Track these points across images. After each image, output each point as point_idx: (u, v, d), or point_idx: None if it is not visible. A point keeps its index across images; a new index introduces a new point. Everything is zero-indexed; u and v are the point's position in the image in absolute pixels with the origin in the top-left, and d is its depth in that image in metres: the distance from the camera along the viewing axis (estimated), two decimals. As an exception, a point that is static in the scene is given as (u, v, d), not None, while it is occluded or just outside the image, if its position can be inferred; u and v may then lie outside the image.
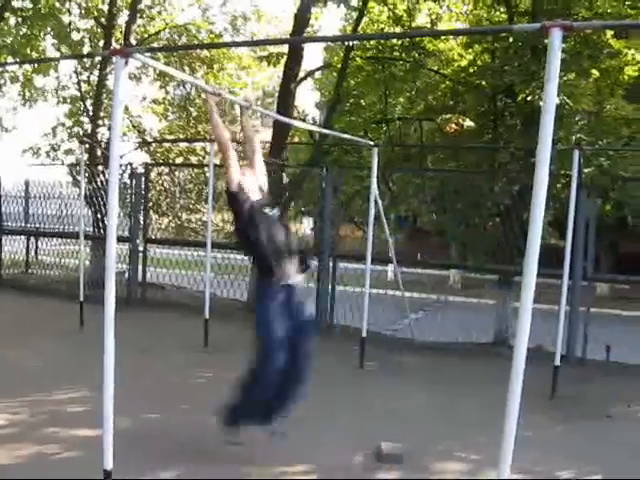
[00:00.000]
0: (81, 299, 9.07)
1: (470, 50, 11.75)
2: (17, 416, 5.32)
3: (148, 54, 3.92)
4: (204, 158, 14.61)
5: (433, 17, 13.29)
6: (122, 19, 14.06)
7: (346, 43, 11.35)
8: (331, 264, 9.75)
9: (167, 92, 16.41)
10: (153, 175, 12.59)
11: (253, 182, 4.75)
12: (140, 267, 11.33)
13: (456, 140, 12.48)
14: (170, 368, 7.14)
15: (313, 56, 15.06)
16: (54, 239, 14.76)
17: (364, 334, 7.60)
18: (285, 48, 11.54)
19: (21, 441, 4.78)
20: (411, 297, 10.44)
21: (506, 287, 9.57)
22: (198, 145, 15.22)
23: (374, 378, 7.25)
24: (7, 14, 10.54)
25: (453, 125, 12.95)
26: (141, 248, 11.34)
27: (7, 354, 7.39)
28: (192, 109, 16.18)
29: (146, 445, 4.72)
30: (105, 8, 13.84)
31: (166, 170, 13.47)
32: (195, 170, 13.61)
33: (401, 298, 9.20)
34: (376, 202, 7.77)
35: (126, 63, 3.36)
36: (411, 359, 8.37)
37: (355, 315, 8.88)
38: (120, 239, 8.99)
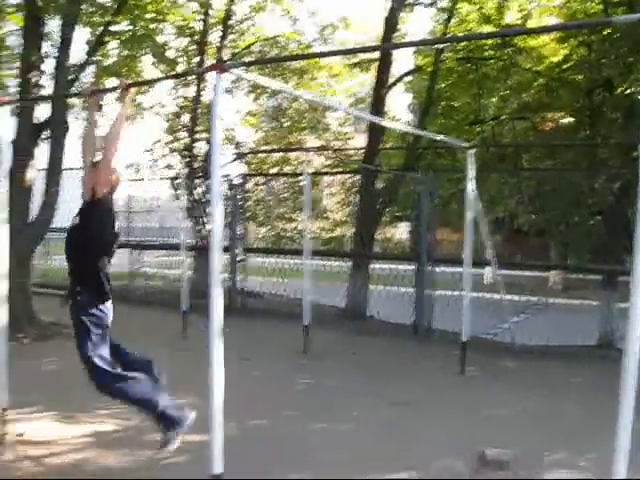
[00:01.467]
0: (184, 309, 9.32)
1: (565, 44, 11.42)
2: (128, 422, 5.50)
3: (244, 68, 4.02)
4: (297, 167, 14.77)
5: (524, 13, 13.00)
6: (214, 35, 14.41)
7: (436, 45, 11.26)
8: (429, 268, 9.66)
9: (260, 104, 16.69)
10: (250, 186, 12.84)
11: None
12: (239, 276, 11.55)
13: (552, 138, 12.19)
14: (272, 375, 7.26)
15: (403, 59, 14.96)
16: (156, 251, 15.30)
17: (464, 339, 7.49)
18: (375, 54, 11.55)
19: (132, 446, 4.97)
20: (510, 300, 10.24)
21: (611, 287, 9.25)
22: (292, 155, 15.39)
23: (476, 383, 7.14)
24: (107, 38, 10.95)
25: (549, 122, 12.64)
26: (240, 257, 11.56)
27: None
28: (284, 119, 16.39)
29: (252, 451, 4.80)
30: (198, 26, 14.21)
31: (262, 180, 13.72)
32: (290, 179, 13.78)
33: (499, 301, 9.03)
34: (473, 204, 7.66)
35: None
36: (512, 363, 8.21)
37: (454, 319, 8.76)
38: (219, 249, 9.21)
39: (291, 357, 8.08)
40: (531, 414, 6.00)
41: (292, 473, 4.49)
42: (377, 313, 10.56)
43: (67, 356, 7.96)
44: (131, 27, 11.52)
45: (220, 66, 3.47)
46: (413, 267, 9.92)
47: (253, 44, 15.42)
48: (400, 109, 18.54)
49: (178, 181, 12.47)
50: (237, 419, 5.12)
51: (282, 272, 12.28)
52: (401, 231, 14.76)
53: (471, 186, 7.55)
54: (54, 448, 4.90)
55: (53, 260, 15.59)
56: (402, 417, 5.76)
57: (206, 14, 13.87)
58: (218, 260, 3.50)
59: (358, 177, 11.99)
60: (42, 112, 9.69)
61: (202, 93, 14.05)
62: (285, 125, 16.29)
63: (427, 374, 7.51)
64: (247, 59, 14.63)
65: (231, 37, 14.78)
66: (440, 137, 8.08)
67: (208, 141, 13.73)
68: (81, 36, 11.08)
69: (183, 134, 14.78)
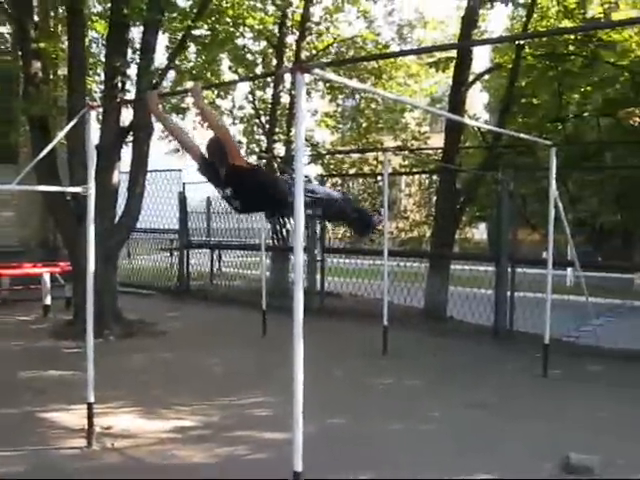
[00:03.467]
0: (264, 308, 9.44)
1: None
2: (209, 418, 5.63)
3: (327, 69, 4.06)
4: (376, 167, 14.74)
5: (606, 7, 12.58)
6: (291, 38, 14.54)
7: (516, 42, 11.03)
8: (509, 269, 9.47)
9: (338, 105, 16.71)
10: (328, 186, 12.88)
11: None
12: (318, 276, 11.61)
13: (637, 134, 11.80)
14: (351, 375, 7.27)
15: (481, 58, 14.77)
16: (235, 251, 15.58)
17: (547, 341, 7.33)
18: (453, 53, 11.43)
19: (214, 442, 5.07)
20: (594, 302, 9.97)
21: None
22: (370, 155, 15.37)
23: (559, 386, 6.96)
24: (188, 42, 11.20)
25: (637, 118, 12.23)
26: (319, 258, 11.63)
27: (195, 360, 7.89)
28: (362, 120, 16.37)
29: (332, 449, 4.82)
30: (275, 29, 14.38)
31: (340, 181, 13.77)
32: (368, 179, 13.78)
33: (582, 303, 8.80)
34: (556, 204, 7.46)
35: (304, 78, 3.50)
36: (597, 367, 7.95)
37: (536, 321, 8.58)
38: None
39: (370, 357, 8.07)
40: (617, 418, 5.81)
41: (371, 473, 4.49)
42: (456, 314, 10.44)
43: (150, 353, 8.25)
44: (211, 32, 11.75)
45: (302, 66, 3.52)
46: (493, 268, 9.77)
47: (330, 45, 15.50)
48: (477, 108, 18.28)
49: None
50: (316, 418, 5.15)
51: (360, 272, 12.30)
52: (481, 231, 14.53)
53: (554, 184, 7.36)
54: (139, 441, 5.06)
55: (136, 260, 16.04)
56: (483, 419, 5.69)
57: (283, 17, 14.03)
58: (300, 260, 3.54)
59: (437, 177, 11.90)
60: (127, 116, 9.99)
61: (280, 95, 14.19)
62: (363, 126, 16.26)
63: (508, 376, 7.39)
64: (324, 60, 14.71)
65: (308, 39, 14.87)
66: (522, 135, 7.91)
67: (285, 143, 13.86)
68: (162, 41, 11.37)
69: (261, 136, 14.95)
